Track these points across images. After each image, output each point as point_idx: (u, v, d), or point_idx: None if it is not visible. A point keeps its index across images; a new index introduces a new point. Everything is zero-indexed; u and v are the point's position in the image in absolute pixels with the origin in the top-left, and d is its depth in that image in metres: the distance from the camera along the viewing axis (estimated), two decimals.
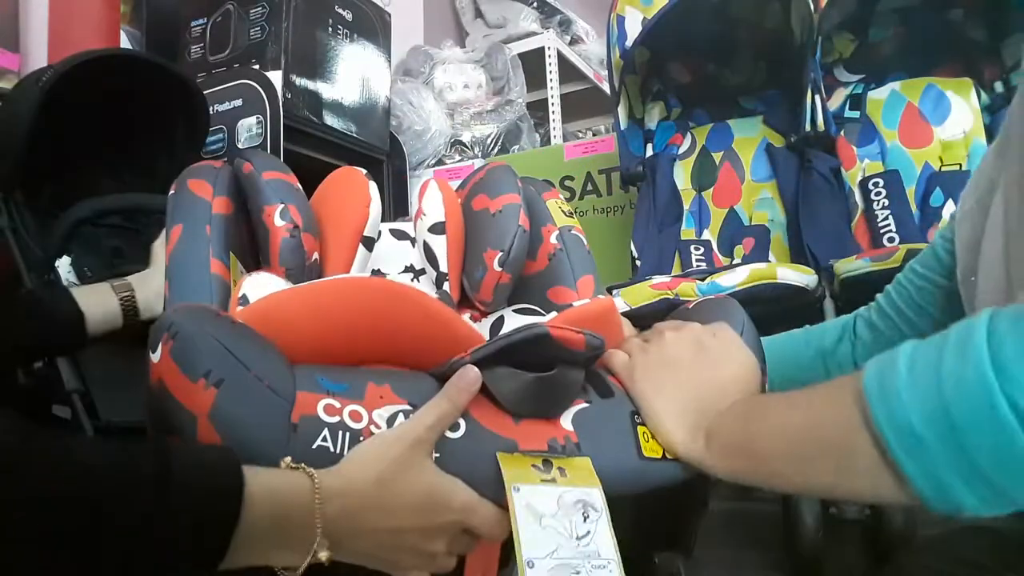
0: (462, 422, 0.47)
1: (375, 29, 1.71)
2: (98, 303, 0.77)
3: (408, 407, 0.45)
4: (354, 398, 0.44)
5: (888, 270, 0.99)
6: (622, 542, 0.46)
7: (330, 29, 1.57)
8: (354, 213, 0.70)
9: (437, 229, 0.71)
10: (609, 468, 0.48)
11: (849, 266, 1.04)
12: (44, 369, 0.83)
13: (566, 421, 0.49)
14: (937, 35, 1.29)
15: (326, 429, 0.42)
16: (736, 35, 1.39)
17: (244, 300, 0.56)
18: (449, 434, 0.46)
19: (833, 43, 1.35)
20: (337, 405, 0.43)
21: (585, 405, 0.51)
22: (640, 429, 0.51)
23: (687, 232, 1.41)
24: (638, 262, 1.36)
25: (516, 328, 0.48)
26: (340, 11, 1.60)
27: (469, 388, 0.47)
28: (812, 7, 1.21)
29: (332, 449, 0.42)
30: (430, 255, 0.70)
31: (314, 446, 0.42)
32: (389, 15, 1.77)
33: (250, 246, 0.68)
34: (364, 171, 0.75)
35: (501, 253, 0.66)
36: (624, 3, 1.39)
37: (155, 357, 0.44)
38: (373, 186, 0.72)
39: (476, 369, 0.47)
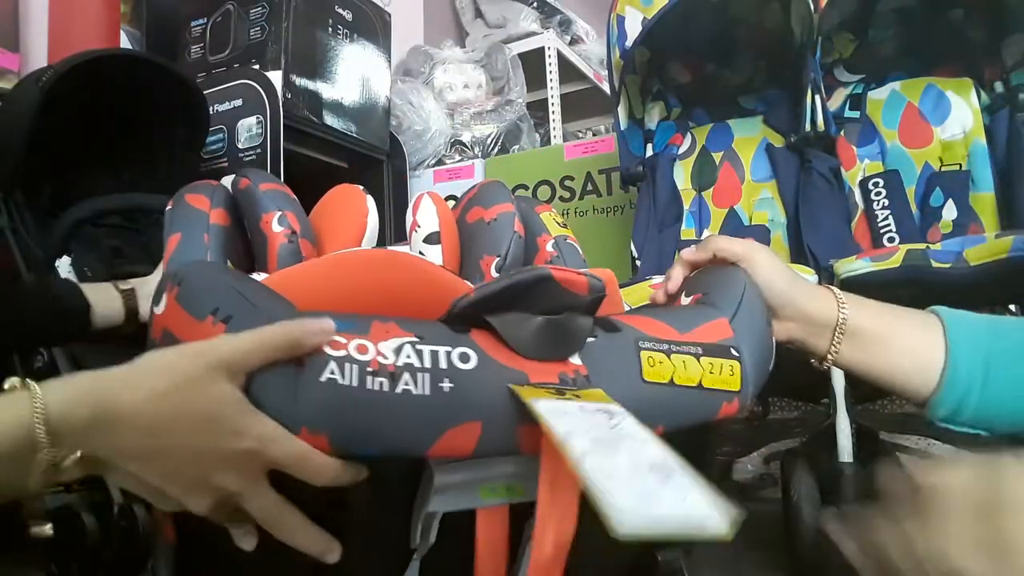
0: (472, 354, 0.43)
1: (375, 29, 1.71)
2: (103, 299, 0.79)
3: (415, 338, 0.42)
4: (359, 333, 0.42)
5: (888, 270, 0.99)
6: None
7: (330, 29, 1.57)
8: (352, 225, 0.71)
9: (432, 239, 0.71)
10: (617, 396, 0.46)
11: (849, 266, 1.04)
12: (44, 368, 0.83)
13: (574, 357, 0.48)
14: (937, 35, 1.29)
15: (332, 362, 0.40)
16: (736, 35, 1.39)
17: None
18: (460, 365, 0.43)
19: (833, 43, 1.35)
20: (342, 340, 0.41)
21: (591, 339, 0.49)
22: (644, 355, 0.49)
23: (687, 232, 1.41)
24: (638, 262, 1.36)
25: (518, 270, 0.46)
26: (340, 11, 1.60)
27: (314, 330, 0.40)
28: (812, 7, 1.21)
29: (341, 381, 0.40)
30: None
31: (322, 379, 0.40)
32: (389, 15, 1.77)
33: (245, 260, 0.70)
34: (361, 187, 0.76)
35: (498, 259, 0.66)
36: (624, 3, 1.39)
37: (159, 309, 0.43)
38: (370, 200, 0.73)
39: (331, 322, 0.41)
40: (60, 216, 0.98)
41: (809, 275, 1.07)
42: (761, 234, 1.35)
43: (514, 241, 0.68)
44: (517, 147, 2.04)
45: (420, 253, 0.72)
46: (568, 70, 2.38)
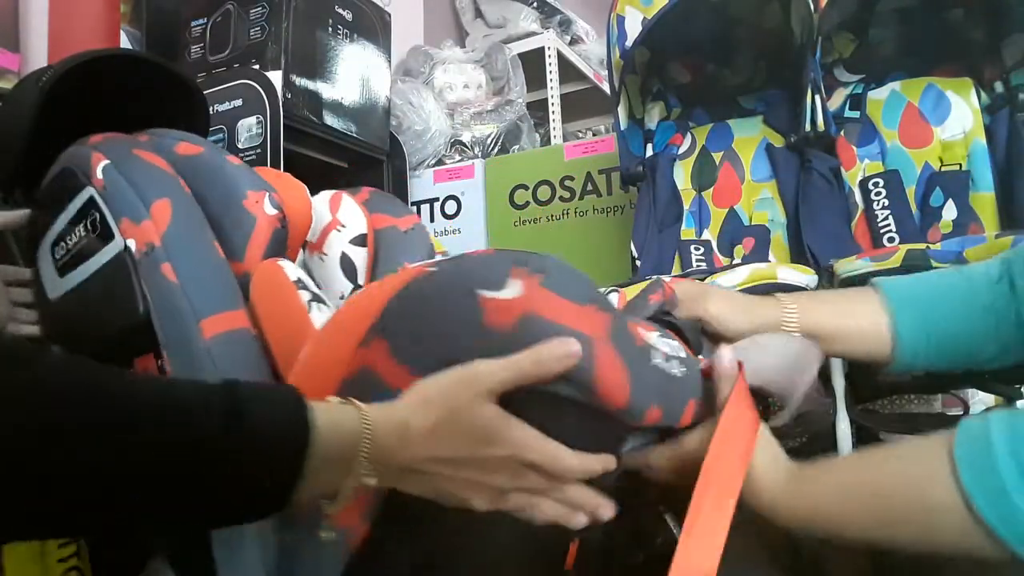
0: (680, 347, 0.55)
1: (375, 29, 1.71)
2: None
3: (658, 333, 0.54)
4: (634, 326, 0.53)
5: (888, 270, 0.99)
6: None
7: (330, 29, 1.57)
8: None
9: (359, 241, 0.70)
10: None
11: (849, 266, 1.04)
12: None
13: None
14: (937, 35, 1.29)
15: (652, 351, 0.50)
16: (736, 35, 1.39)
17: (301, 284, 0.58)
18: (683, 355, 0.53)
19: (833, 43, 1.35)
20: (641, 333, 0.52)
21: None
22: None
23: (687, 232, 1.41)
24: (638, 262, 1.36)
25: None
26: (340, 11, 1.60)
27: (560, 356, 0.43)
28: (812, 7, 1.21)
29: (661, 365, 0.49)
30: (348, 267, 0.69)
31: (652, 364, 0.49)
32: (389, 15, 1.77)
33: None
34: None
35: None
36: (624, 3, 1.39)
37: (511, 292, 0.44)
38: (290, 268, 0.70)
39: (576, 345, 0.43)
40: None
41: (809, 275, 1.07)
42: (761, 234, 1.35)
43: (430, 253, 0.70)
44: (517, 147, 2.04)
45: (344, 254, 0.70)
46: (568, 70, 2.38)
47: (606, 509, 0.49)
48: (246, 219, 0.61)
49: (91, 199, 0.62)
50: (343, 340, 0.49)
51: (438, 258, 0.55)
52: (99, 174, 0.63)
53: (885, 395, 1.08)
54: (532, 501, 0.48)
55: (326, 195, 0.72)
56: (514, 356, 0.43)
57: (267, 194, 0.62)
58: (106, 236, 0.61)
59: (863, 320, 0.71)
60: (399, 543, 0.49)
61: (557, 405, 0.45)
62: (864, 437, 1.20)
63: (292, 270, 0.60)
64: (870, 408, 1.09)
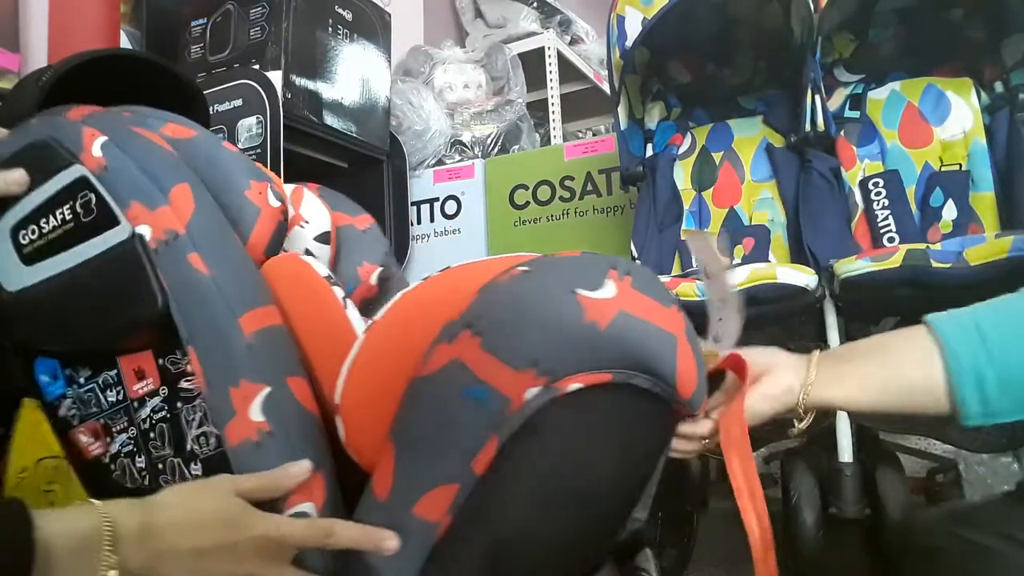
0: None
1: (375, 29, 1.71)
2: None
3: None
4: None
5: (888, 270, 0.99)
6: None
7: (330, 29, 1.57)
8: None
9: (324, 239, 0.69)
10: None
11: (849, 266, 1.04)
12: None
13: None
14: (937, 35, 1.29)
15: None
16: (736, 35, 1.39)
17: (332, 281, 0.57)
18: None
19: (833, 43, 1.35)
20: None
21: None
22: None
23: (687, 232, 1.41)
24: (638, 262, 1.36)
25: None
26: (340, 11, 1.60)
27: (296, 476, 0.50)
28: (812, 7, 1.21)
29: None
30: None
31: None
32: (389, 15, 1.77)
33: None
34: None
35: (381, 268, 0.67)
36: (624, 3, 1.39)
37: (607, 293, 0.47)
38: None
39: (307, 463, 0.50)
40: None
41: (809, 275, 1.07)
42: (761, 234, 1.35)
43: (387, 253, 0.70)
44: (517, 147, 2.04)
45: (307, 251, 0.68)
46: (568, 70, 2.38)
47: (388, 540, 0.49)
48: (249, 210, 0.58)
49: (82, 179, 0.56)
50: (411, 336, 0.50)
51: (523, 259, 0.53)
52: (96, 151, 0.57)
53: None
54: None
55: (287, 189, 0.71)
56: (262, 472, 0.49)
57: (269, 185, 0.59)
58: (105, 221, 0.55)
59: (911, 375, 0.57)
60: (473, 532, 0.49)
61: (634, 394, 0.48)
62: (864, 437, 1.20)
63: (320, 267, 0.59)
64: None
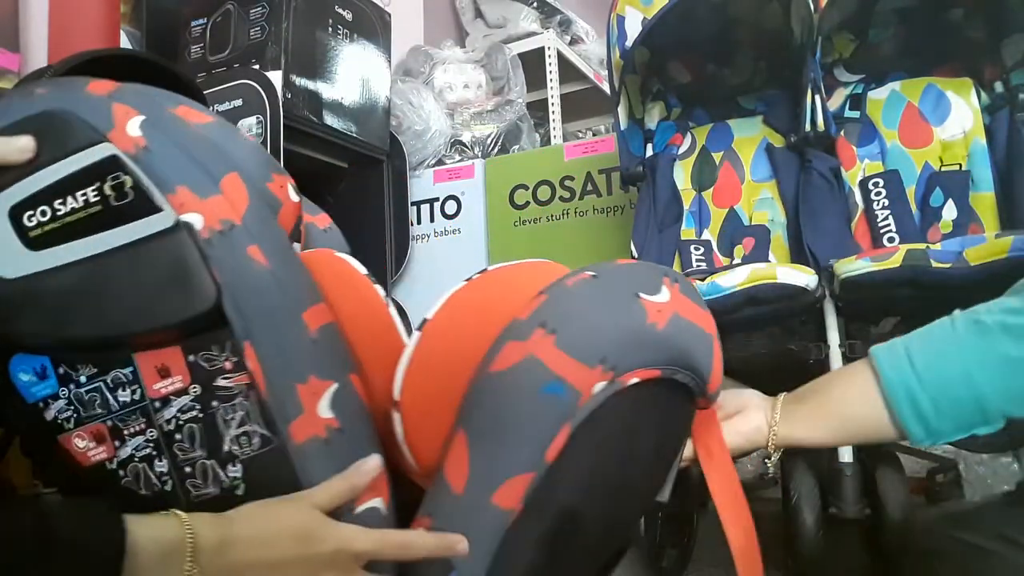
0: None
1: (375, 29, 1.71)
2: None
3: None
4: None
5: (888, 270, 0.99)
6: None
7: (330, 29, 1.57)
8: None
9: (295, 236, 0.69)
10: None
11: (849, 266, 1.04)
12: None
13: None
14: (937, 35, 1.29)
15: None
16: (736, 35, 1.39)
17: (373, 280, 0.59)
18: None
19: (833, 43, 1.35)
20: None
21: None
22: None
23: (687, 232, 1.41)
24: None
25: None
26: (340, 11, 1.60)
27: (370, 473, 0.50)
28: (812, 7, 1.21)
29: None
30: None
31: None
32: (389, 15, 1.77)
33: None
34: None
35: None
36: (624, 3, 1.39)
37: (664, 297, 0.53)
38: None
39: (378, 458, 0.51)
40: None
41: (809, 275, 1.07)
42: (761, 234, 1.35)
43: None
44: (517, 147, 2.04)
45: None
46: (568, 70, 2.38)
47: (458, 544, 0.50)
48: (272, 203, 0.56)
49: (112, 159, 0.51)
50: (469, 334, 0.54)
51: (588, 266, 0.56)
52: (134, 131, 0.52)
53: None
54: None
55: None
56: (330, 480, 0.49)
57: (288, 180, 0.57)
58: (142, 207, 0.50)
59: (855, 408, 0.64)
60: (536, 518, 0.52)
61: (673, 388, 0.55)
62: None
63: (358, 264, 0.60)
64: None
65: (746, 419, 0.67)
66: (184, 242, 0.50)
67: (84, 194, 0.51)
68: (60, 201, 0.51)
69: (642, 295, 0.53)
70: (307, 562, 0.46)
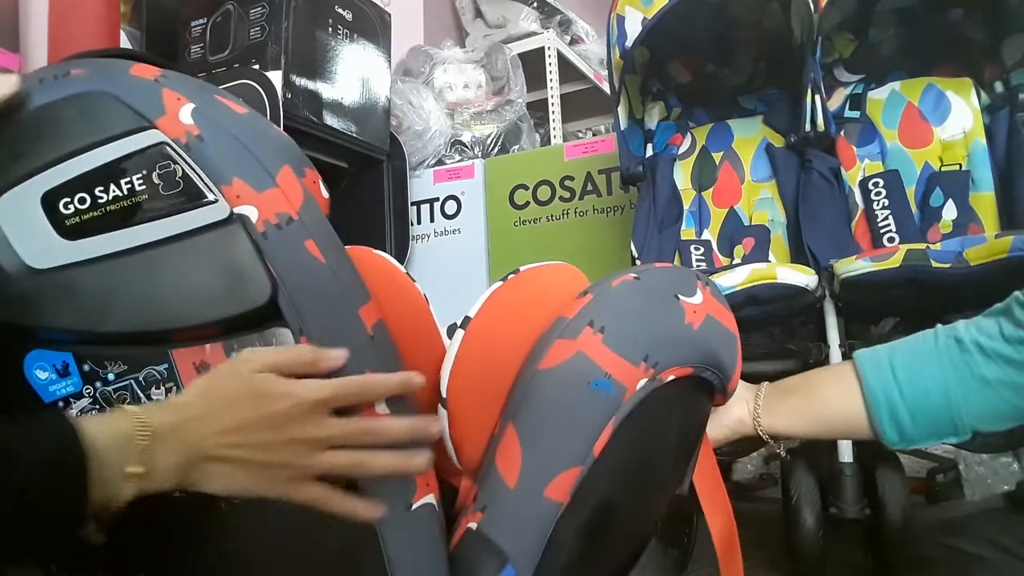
0: None
1: (375, 29, 1.71)
2: None
3: None
4: None
5: (888, 270, 0.99)
6: None
7: (330, 29, 1.57)
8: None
9: None
10: None
11: (849, 266, 1.04)
12: None
13: None
14: (937, 35, 1.29)
15: None
16: (736, 35, 1.39)
17: (410, 275, 0.60)
18: None
19: (833, 43, 1.35)
20: None
21: None
22: None
23: (687, 232, 1.41)
24: (638, 262, 1.36)
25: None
26: (340, 11, 1.60)
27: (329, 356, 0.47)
28: (812, 7, 1.21)
29: None
30: None
31: None
32: (389, 15, 1.77)
33: None
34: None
35: None
36: (624, 3, 1.39)
37: (699, 299, 0.56)
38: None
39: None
40: None
41: (809, 275, 1.07)
42: (761, 234, 1.35)
43: None
44: (517, 147, 2.04)
45: None
46: (568, 70, 2.38)
47: (432, 424, 0.50)
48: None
49: (161, 146, 0.49)
50: (512, 333, 0.56)
51: (629, 269, 0.60)
52: (186, 119, 0.50)
53: None
54: (358, 457, 0.47)
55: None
56: (295, 346, 0.48)
57: (318, 176, 0.55)
58: (193, 198, 0.49)
59: (836, 407, 0.69)
60: (579, 510, 0.54)
61: (699, 384, 0.58)
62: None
63: (396, 263, 0.61)
64: None
65: (728, 411, 0.71)
66: (238, 235, 0.48)
67: (129, 182, 0.49)
68: (101, 188, 0.49)
69: (682, 297, 0.56)
70: (267, 421, 0.45)
